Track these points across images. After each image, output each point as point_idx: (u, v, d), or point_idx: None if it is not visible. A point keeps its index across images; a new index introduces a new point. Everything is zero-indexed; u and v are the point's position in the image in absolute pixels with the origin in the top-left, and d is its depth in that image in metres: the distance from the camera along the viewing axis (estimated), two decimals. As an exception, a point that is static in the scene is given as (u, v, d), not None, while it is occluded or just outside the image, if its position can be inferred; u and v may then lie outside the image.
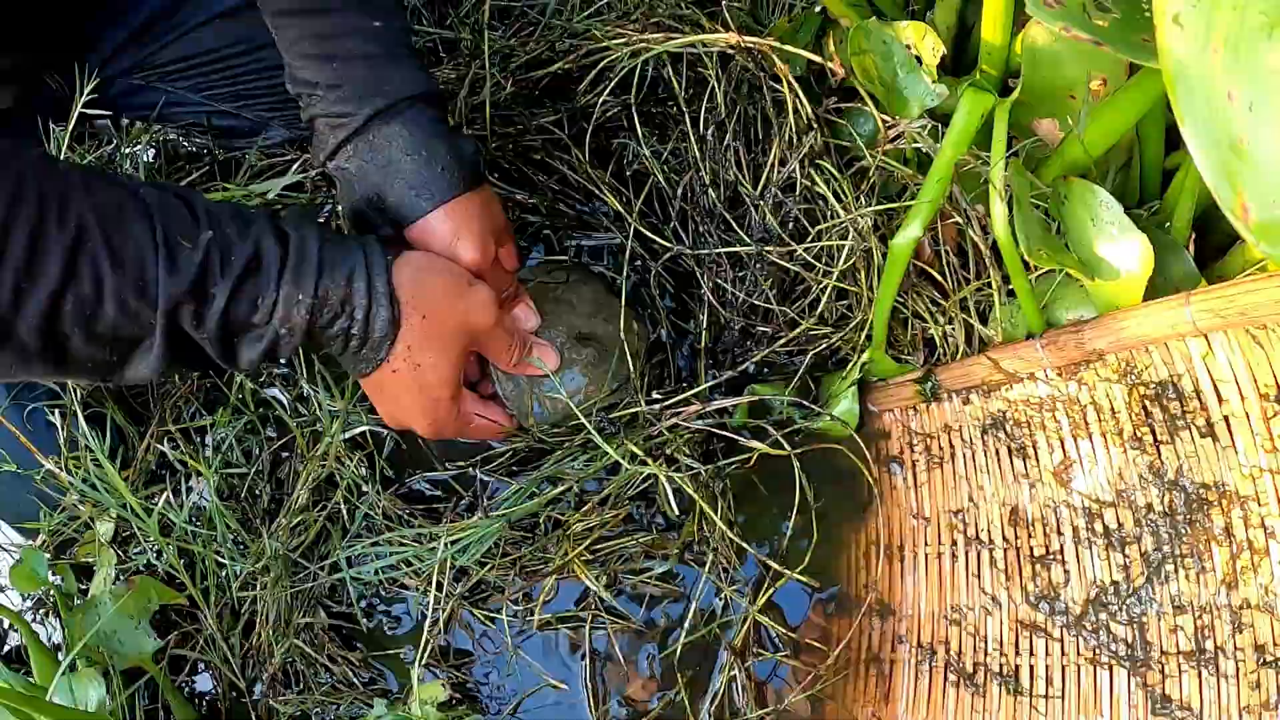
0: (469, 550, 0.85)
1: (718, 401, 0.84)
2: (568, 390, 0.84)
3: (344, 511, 0.89)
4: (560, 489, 0.85)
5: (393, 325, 0.68)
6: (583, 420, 0.81)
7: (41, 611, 0.95)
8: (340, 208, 0.80)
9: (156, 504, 0.91)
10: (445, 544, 0.85)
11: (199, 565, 0.90)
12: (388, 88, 0.74)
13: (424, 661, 0.86)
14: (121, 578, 0.89)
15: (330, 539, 0.89)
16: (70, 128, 0.90)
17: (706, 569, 0.84)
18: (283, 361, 0.68)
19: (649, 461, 0.80)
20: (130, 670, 0.86)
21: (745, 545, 0.84)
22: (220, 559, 0.89)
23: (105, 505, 0.90)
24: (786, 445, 0.81)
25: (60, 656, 0.89)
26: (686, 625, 0.84)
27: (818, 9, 0.91)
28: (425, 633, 0.86)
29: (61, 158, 0.90)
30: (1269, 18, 0.48)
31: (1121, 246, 0.74)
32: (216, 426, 0.93)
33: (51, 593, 0.92)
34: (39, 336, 0.57)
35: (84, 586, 0.93)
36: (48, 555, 0.92)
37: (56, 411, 0.93)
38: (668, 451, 0.83)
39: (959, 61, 0.93)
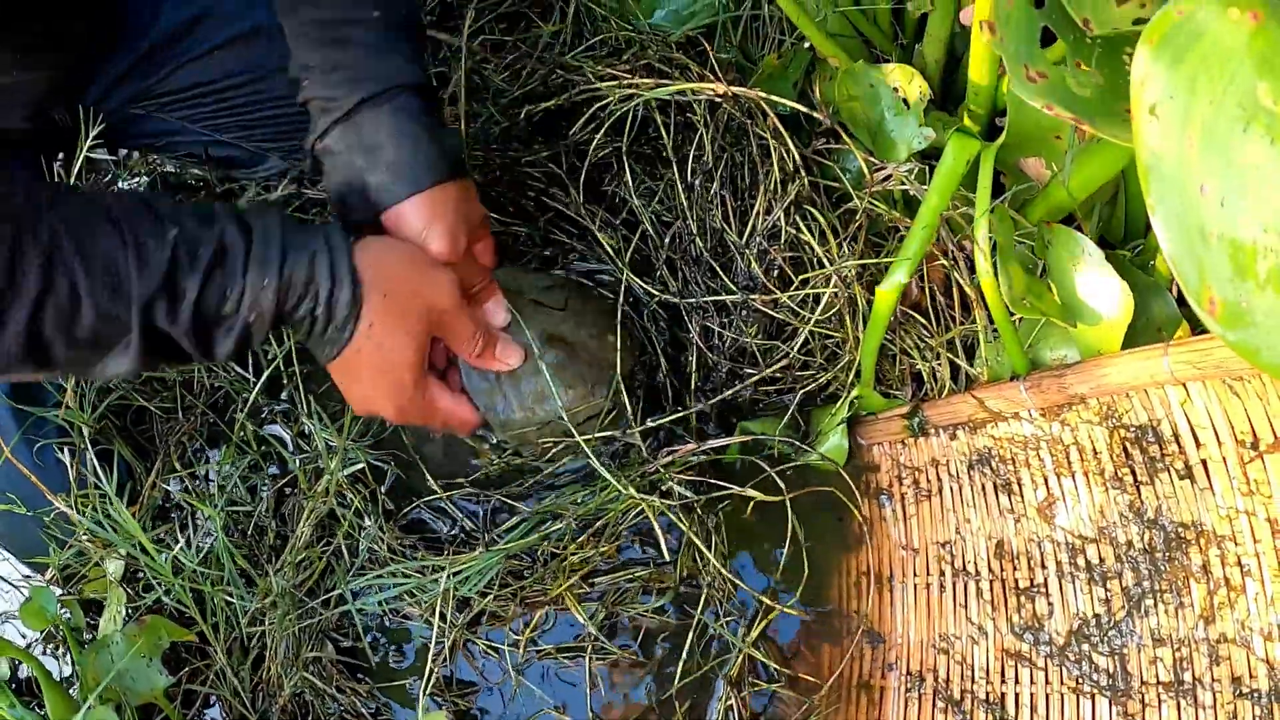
0: (470, 581, 0.88)
1: (711, 441, 0.85)
2: (533, 392, 0.85)
3: (343, 548, 0.91)
4: (559, 525, 0.87)
5: (354, 304, 0.70)
6: (573, 432, 0.81)
7: (51, 645, 0.97)
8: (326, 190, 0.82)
9: (165, 542, 0.92)
10: (448, 575, 0.87)
11: (208, 601, 0.92)
12: (380, 75, 0.76)
13: (428, 691, 0.88)
14: (131, 615, 0.91)
15: (335, 573, 0.91)
16: (77, 167, 0.90)
17: (701, 603, 0.86)
18: (255, 348, 0.72)
19: (637, 495, 0.82)
20: (144, 706, 0.89)
21: (739, 581, 0.86)
22: (229, 596, 0.91)
23: (115, 545, 0.92)
24: (781, 485, 0.83)
25: (71, 690, 0.91)
26: (683, 657, 0.87)
27: (807, 45, 0.91)
28: (430, 661, 0.88)
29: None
30: (1245, 112, 0.49)
31: (1102, 292, 0.75)
32: (221, 464, 0.94)
33: (60, 628, 0.94)
34: (22, 345, 0.61)
35: (92, 621, 0.95)
36: (58, 590, 0.94)
37: (66, 449, 0.95)
38: (661, 489, 0.85)
39: (948, 94, 0.93)
